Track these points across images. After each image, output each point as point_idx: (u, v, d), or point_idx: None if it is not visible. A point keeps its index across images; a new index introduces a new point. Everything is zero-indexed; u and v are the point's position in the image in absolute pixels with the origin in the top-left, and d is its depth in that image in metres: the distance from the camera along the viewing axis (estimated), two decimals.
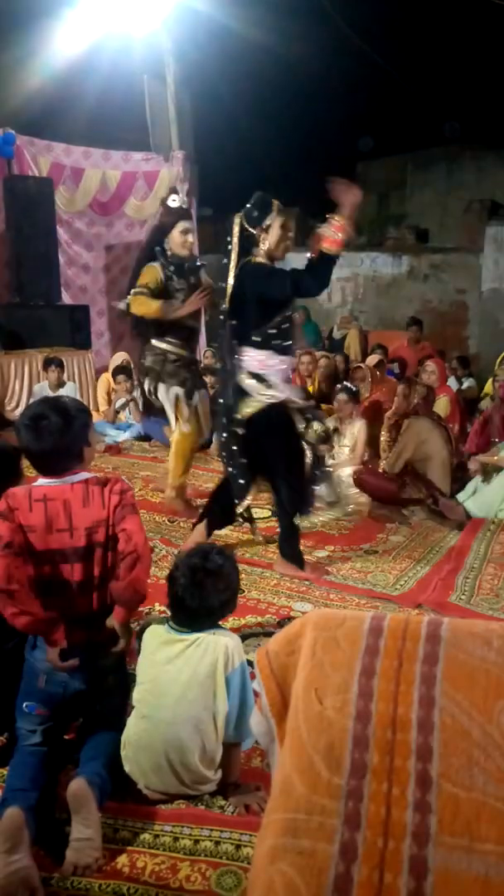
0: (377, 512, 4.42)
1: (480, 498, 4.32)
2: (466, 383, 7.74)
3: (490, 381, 6.23)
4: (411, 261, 11.01)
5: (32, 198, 7.49)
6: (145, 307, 4.01)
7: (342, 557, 3.75)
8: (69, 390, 6.63)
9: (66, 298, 8.40)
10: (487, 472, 4.36)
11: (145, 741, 1.79)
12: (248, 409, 3.28)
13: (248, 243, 3.24)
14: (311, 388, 6.26)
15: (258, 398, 3.27)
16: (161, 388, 4.18)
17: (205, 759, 1.77)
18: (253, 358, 3.27)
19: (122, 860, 1.66)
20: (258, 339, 3.25)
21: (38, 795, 1.75)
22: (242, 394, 3.29)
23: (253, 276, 3.19)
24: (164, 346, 4.14)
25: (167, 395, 4.17)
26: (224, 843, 1.70)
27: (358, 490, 4.58)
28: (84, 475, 1.95)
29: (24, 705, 1.91)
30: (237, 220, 3.25)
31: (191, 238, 4.12)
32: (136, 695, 1.89)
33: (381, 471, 4.77)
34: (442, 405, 5.35)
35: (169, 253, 4.08)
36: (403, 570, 3.58)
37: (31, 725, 1.91)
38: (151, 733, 1.78)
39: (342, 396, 4.99)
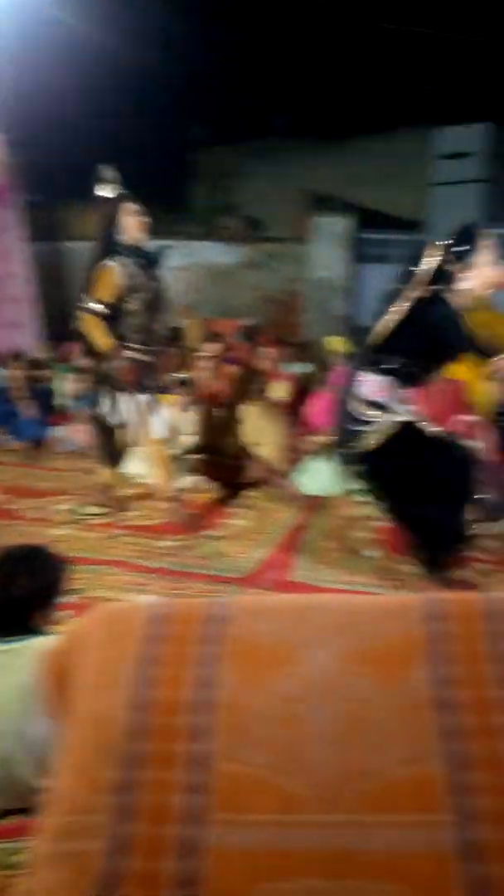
0: (220, 496, 4.48)
1: (315, 476, 4.52)
2: (302, 368, 8.02)
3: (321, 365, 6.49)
4: (246, 250, 11.23)
5: None
6: (99, 336, 3.70)
7: (186, 546, 3.75)
8: None
9: None
10: (320, 452, 4.57)
11: None
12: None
13: (442, 278, 2.81)
14: None
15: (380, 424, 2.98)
16: (121, 398, 3.85)
17: (36, 769, 1.69)
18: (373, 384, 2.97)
19: None
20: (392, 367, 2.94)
21: None
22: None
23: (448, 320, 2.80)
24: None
25: (131, 404, 3.86)
26: None
27: (201, 476, 4.62)
28: None
29: None
30: (436, 253, 2.81)
31: (144, 217, 3.81)
32: None
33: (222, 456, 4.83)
34: (278, 390, 5.51)
35: (127, 243, 3.77)
36: (247, 553, 3.65)
37: None
38: None
39: (181, 387, 5.02)
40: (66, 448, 5.60)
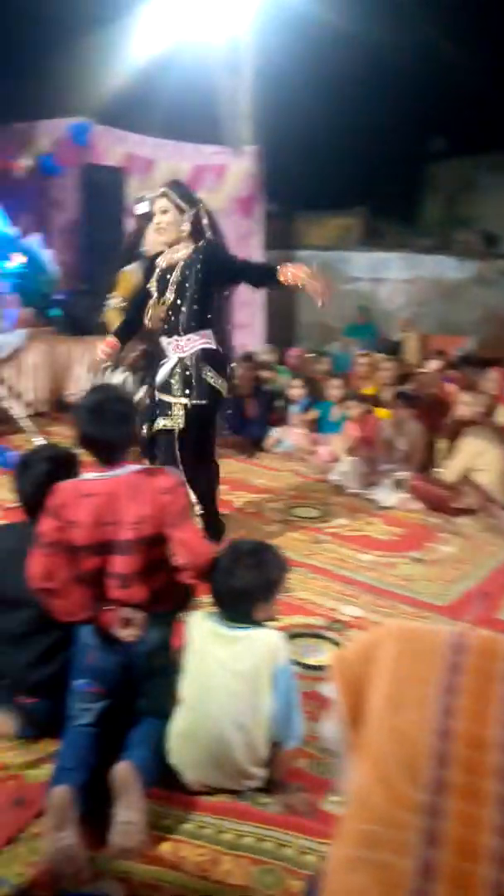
0: (430, 520, 4.36)
1: None
2: None
3: None
4: (477, 266, 10.78)
5: (105, 187, 7.62)
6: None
7: (387, 563, 3.70)
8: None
9: None
10: None
11: (190, 733, 1.82)
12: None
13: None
14: (369, 391, 6.19)
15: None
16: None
17: (249, 755, 1.78)
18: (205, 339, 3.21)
19: (165, 847, 1.69)
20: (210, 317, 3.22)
21: (87, 775, 1.79)
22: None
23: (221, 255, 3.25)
24: None
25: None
26: (267, 840, 1.71)
27: (411, 496, 4.54)
28: (132, 467, 1.98)
29: (77, 683, 1.95)
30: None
31: None
32: (184, 687, 1.91)
33: (437, 478, 4.70)
34: (503, 414, 5.24)
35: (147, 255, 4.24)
36: (450, 582, 3.52)
37: (83, 704, 1.94)
38: (196, 726, 1.81)
39: (400, 402, 4.97)
40: (281, 449, 5.78)
